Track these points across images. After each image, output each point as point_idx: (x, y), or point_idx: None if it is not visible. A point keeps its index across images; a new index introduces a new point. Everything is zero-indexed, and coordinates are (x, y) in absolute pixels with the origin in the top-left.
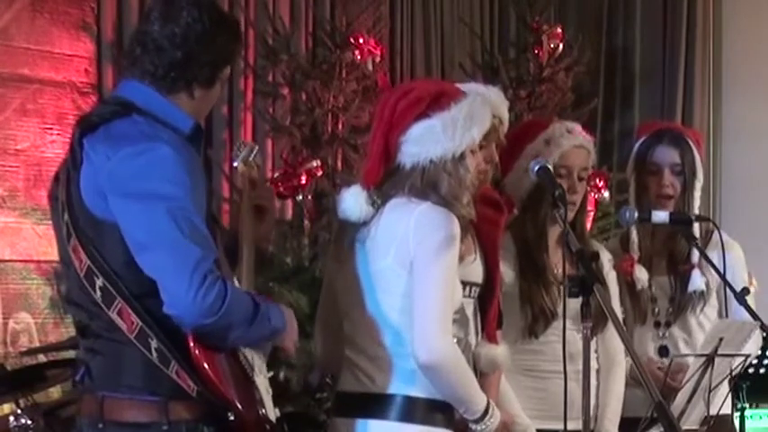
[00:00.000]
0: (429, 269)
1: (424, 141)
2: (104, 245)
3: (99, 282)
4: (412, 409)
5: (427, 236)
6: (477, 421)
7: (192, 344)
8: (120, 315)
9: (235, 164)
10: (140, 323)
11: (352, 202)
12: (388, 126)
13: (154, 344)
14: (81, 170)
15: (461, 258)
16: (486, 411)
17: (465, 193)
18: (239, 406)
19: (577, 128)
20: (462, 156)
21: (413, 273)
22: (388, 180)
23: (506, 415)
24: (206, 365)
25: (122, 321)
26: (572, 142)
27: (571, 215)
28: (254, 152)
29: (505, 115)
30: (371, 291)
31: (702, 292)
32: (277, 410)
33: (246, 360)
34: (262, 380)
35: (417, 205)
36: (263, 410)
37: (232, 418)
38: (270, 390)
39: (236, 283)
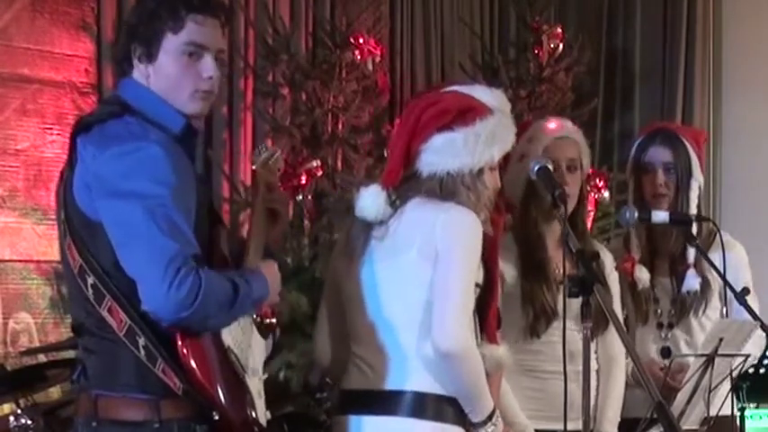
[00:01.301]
0: (453, 262)
1: (444, 153)
2: (96, 244)
3: (90, 280)
4: (423, 405)
5: (455, 231)
6: (479, 425)
7: (180, 342)
8: (110, 312)
9: (254, 166)
10: (129, 321)
11: (371, 201)
12: (411, 133)
13: (141, 341)
14: (75, 170)
15: None
16: (491, 417)
17: (483, 209)
18: (226, 406)
19: (560, 121)
20: (480, 172)
21: (437, 266)
22: (405, 183)
23: (505, 427)
24: (193, 364)
25: (112, 319)
26: (553, 135)
27: (569, 208)
28: (275, 157)
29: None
30: (387, 286)
31: (697, 292)
32: (268, 413)
33: (238, 361)
34: (255, 382)
35: (444, 203)
36: (253, 413)
37: (217, 417)
38: (262, 393)
39: None
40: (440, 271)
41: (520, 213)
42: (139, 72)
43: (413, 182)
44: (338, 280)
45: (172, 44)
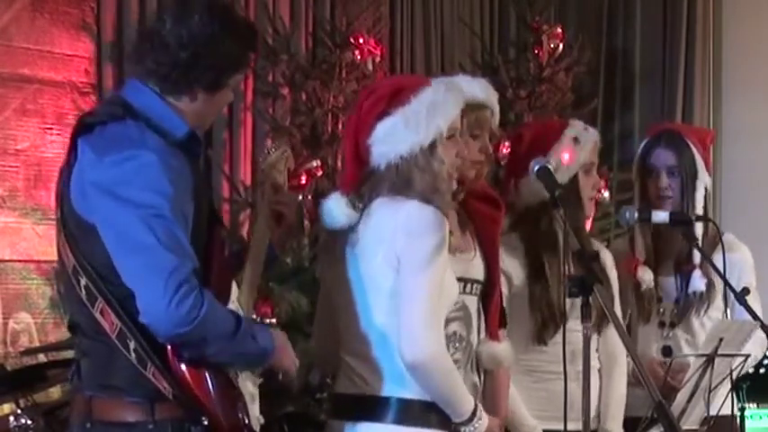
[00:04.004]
0: (416, 270)
1: (390, 140)
2: (90, 246)
3: (83, 281)
4: (407, 412)
5: (415, 237)
6: (463, 424)
7: (170, 347)
8: (102, 315)
9: (262, 166)
10: (120, 324)
11: (335, 209)
12: (356, 129)
13: (132, 345)
14: (73, 170)
15: (455, 251)
16: (474, 414)
17: (443, 185)
18: (217, 412)
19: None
20: (433, 146)
21: (400, 272)
22: (365, 183)
23: (494, 421)
24: (184, 369)
25: (104, 321)
26: (594, 138)
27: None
28: (284, 156)
29: (496, 107)
30: (362, 294)
31: (702, 294)
32: (262, 418)
33: None
34: (249, 386)
35: (403, 204)
36: (246, 418)
37: (206, 422)
38: (256, 397)
39: (235, 287)
40: (402, 278)
41: (537, 215)
42: (189, 96)
43: (374, 179)
44: (327, 288)
45: (234, 81)
